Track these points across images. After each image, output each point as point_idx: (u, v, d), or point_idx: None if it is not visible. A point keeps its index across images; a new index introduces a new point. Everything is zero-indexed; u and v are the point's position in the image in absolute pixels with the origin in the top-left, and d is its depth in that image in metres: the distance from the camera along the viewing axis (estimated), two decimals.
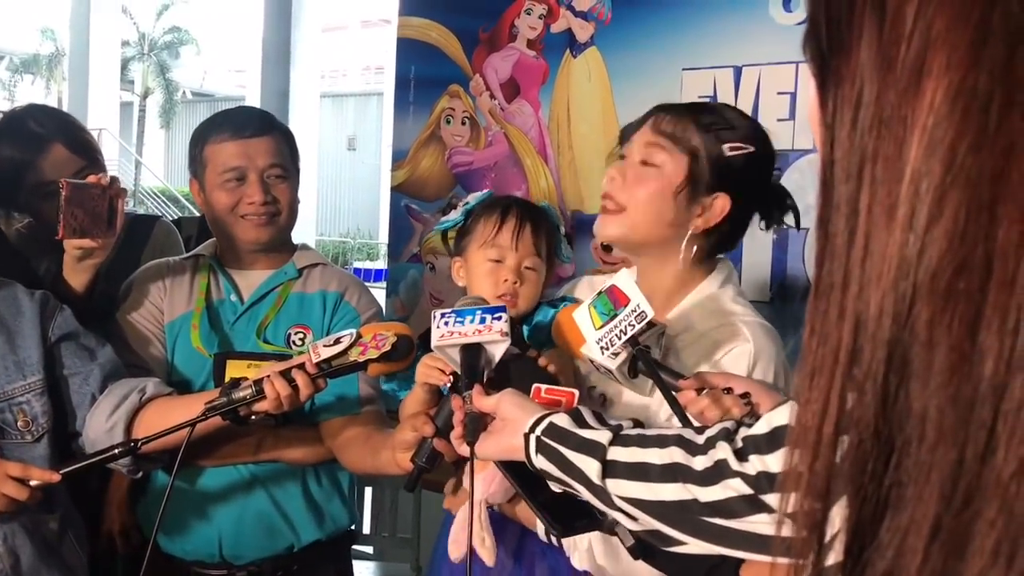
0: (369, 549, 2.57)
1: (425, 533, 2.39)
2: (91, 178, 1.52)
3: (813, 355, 0.34)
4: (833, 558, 0.34)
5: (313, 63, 9.57)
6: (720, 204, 1.21)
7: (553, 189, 2.24)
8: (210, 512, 1.54)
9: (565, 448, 0.96)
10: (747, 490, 0.86)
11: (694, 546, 0.91)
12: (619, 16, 2.14)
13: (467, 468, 1.05)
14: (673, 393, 1.07)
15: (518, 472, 1.03)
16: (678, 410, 1.05)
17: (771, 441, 0.86)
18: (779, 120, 1.88)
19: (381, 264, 11.51)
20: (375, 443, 1.42)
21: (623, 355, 1.11)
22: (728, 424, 0.93)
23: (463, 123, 2.39)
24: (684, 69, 2.03)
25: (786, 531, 0.35)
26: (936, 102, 0.30)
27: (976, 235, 0.29)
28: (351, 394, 1.54)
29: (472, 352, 1.11)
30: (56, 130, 1.68)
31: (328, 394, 1.43)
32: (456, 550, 1.26)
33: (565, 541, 1.20)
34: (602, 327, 1.12)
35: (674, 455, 0.91)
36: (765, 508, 0.85)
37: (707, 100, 1.93)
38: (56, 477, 1.26)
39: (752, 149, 1.22)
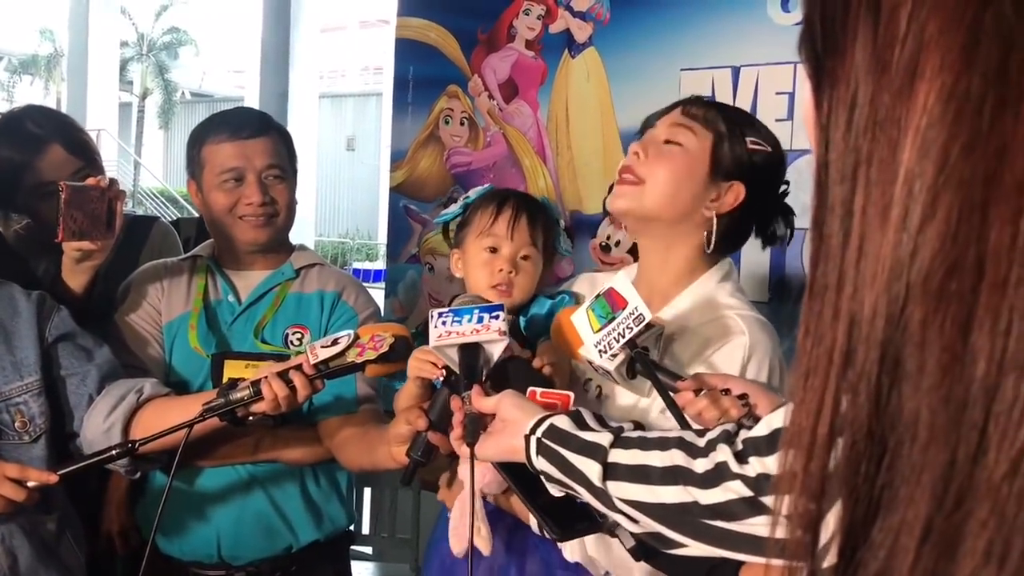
0: (368, 550, 2.57)
1: (424, 533, 2.38)
2: (90, 180, 1.52)
3: (808, 356, 0.34)
4: (829, 561, 0.34)
5: (312, 64, 9.57)
6: (735, 192, 1.22)
7: (552, 189, 2.24)
8: (208, 513, 1.54)
9: (566, 450, 0.96)
10: (747, 492, 0.86)
11: (695, 549, 0.91)
12: (617, 16, 2.14)
13: (464, 466, 1.05)
14: (671, 394, 1.07)
15: (517, 474, 1.03)
16: (676, 411, 1.05)
17: (771, 443, 0.86)
18: (777, 120, 1.88)
19: (380, 265, 11.51)
20: (371, 439, 1.43)
21: (621, 357, 1.11)
22: (729, 426, 0.93)
23: (462, 123, 2.39)
24: (682, 69, 2.03)
25: (780, 532, 0.35)
26: (929, 104, 0.30)
27: (968, 236, 0.29)
28: (349, 394, 1.54)
29: (470, 352, 1.11)
30: (54, 131, 1.68)
31: (326, 394, 1.43)
32: (457, 543, 1.26)
33: None
34: (600, 330, 1.12)
35: (675, 458, 0.91)
36: (765, 510, 0.85)
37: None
38: (54, 478, 1.26)
39: (770, 150, 1.25)
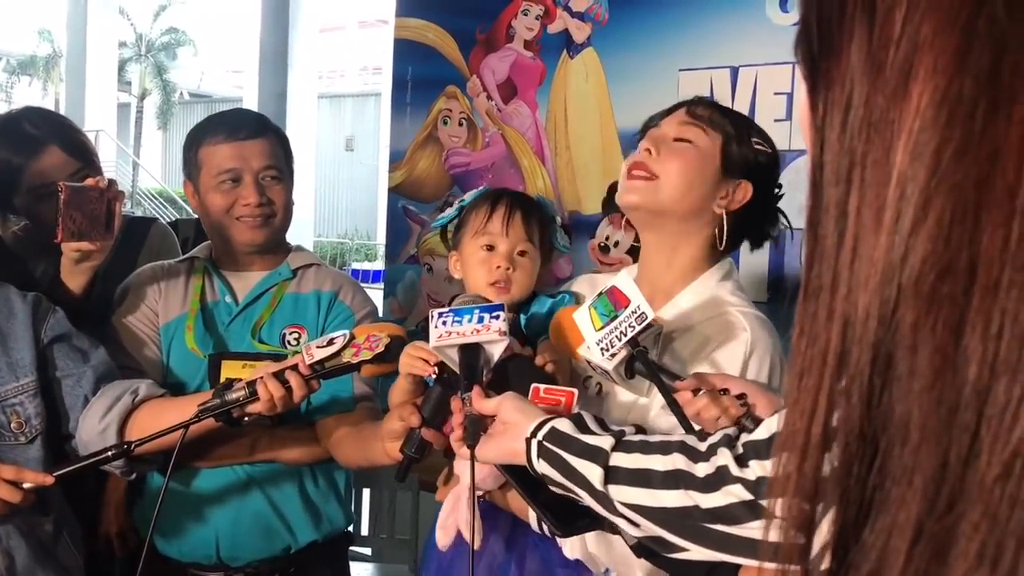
0: (367, 550, 2.57)
1: (423, 534, 2.38)
2: (89, 181, 1.52)
3: (802, 356, 0.34)
4: (823, 566, 0.34)
5: (311, 64, 9.57)
6: (744, 190, 1.25)
7: (550, 190, 2.24)
8: (207, 513, 1.54)
9: (567, 453, 0.96)
10: (747, 496, 0.86)
11: (696, 553, 0.91)
12: (616, 17, 2.14)
13: (461, 463, 1.05)
14: (671, 394, 1.07)
15: (518, 472, 1.03)
16: (677, 411, 1.06)
17: (771, 446, 0.86)
18: (776, 120, 1.89)
19: (379, 265, 11.51)
20: (365, 435, 1.43)
21: (621, 356, 1.11)
22: (730, 430, 0.93)
23: (460, 124, 2.39)
24: (681, 70, 2.03)
25: (774, 533, 0.35)
26: (922, 106, 0.30)
27: (960, 240, 0.29)
28: (346, 393, 1.54)
29: (471, 352, 1.10)
30: (52, 132, 1.68)
31: (323, 394, 1.43)
32: (443, 536, 1.26)
33: None
34: (602, 328, 1.12)
35: (677, 462, 0.92)
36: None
37: None
38: (49, 480, 1.26)
39: (771, 151, 1.28)
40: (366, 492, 2.49)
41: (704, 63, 2.00)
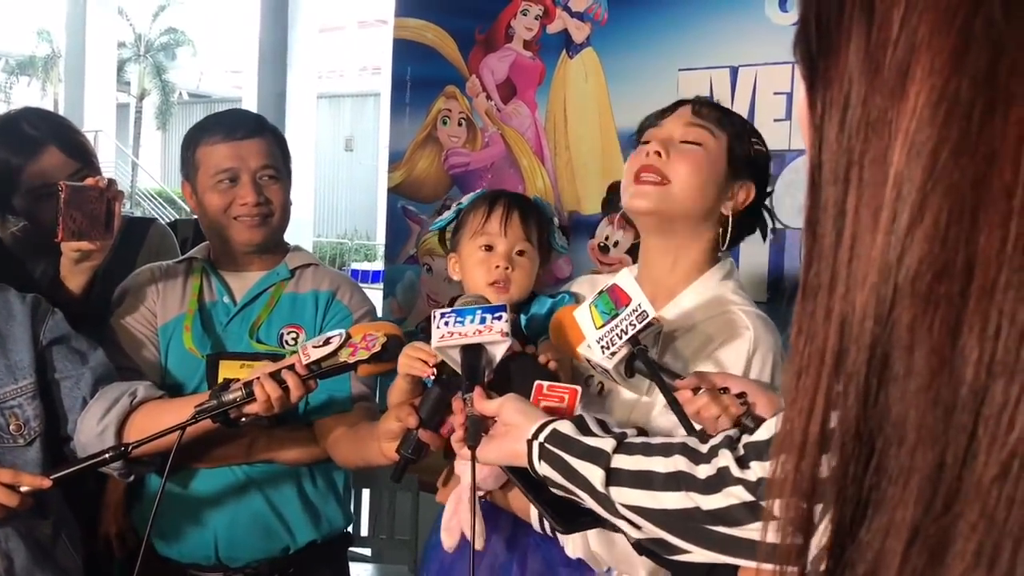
0: (367, 551, 2.57)
1: (423, 535, 2.38)
2: (89, 180, 1.52)
3: (800, 355, 0.34)
4: (823, 565, 0.33)
5: (310, 64, 9.56)
6: (747, 191, 1.26)
7: (550, 190, 2.24)
8: (205, 514, 1.54)
9: (569, 455, 0.96)
10: (748, 497, 0.86)
11: (698, 555, 0.91)
12: (615, 17, 2.14)
13: (462, 463, 1.05)
14: (672, 393, 1.07)
15: (519, 470, 1.03)
16: (678, 409, 1.06)
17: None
18: (775, 120, 1.89)
19: (379, 265, 11.50)
20: (362, 435, 1.43)
21: (621, 354, 1.11)
22: (732, 432, 0.93)
23: (460, 124, 2.39)
24: (680, 70, 2.03)
25: (772, 533, 0.35)
26: (919, 107, 0.30)
27: (957, 240, 0.29)
28: (343, 393, 1.54)
29: (473, 353, 1.10)
30: (50, 133, 1.68)
31: (320, 394, 1.43)
32: (448, 538, 1.26)
33: None
34: (603, 326, 1.12)
35: (678, 464, 0.92)
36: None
37: None
38: (47, 483, 1.26)
39: (766, 150, 1.28)
40: (366, 492, 2.49)
41: (703, 63, 2.00)
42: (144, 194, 16.47)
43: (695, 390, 1.06)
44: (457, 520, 1.26)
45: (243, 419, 1.32)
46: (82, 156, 1.71)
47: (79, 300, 1.55)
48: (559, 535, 1.21)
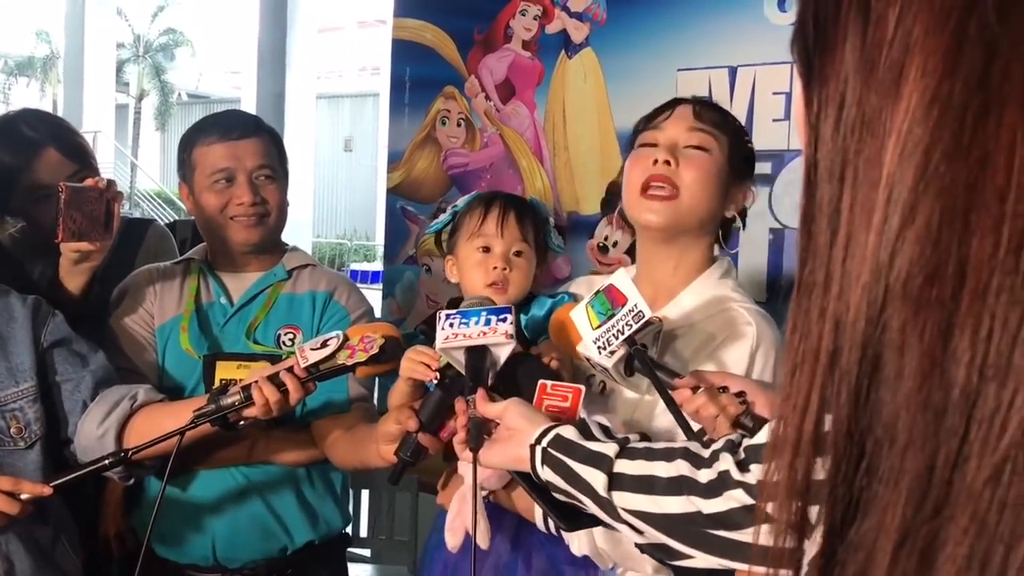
0: (367, 552, 2.57)
1: (422, 536, 2.38)
2: (88, 181, 1.52)
3: (794, 352, 0.34)
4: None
5: (309, 64, 9.57)
6: (744, 193, 1.27)
7: (549, 190, 2.24)
8: (204, 516, 1.54)
9: (571, 460, 0.96)
10: (748, 500, 0.86)
11: (700, 560, 0.91)
12: (614, 17, 2.14)
13: (466, 466, 1.05)
14: (669, 392, 1.07)
15: (522, 472, 1.03)
16: (674, 409, 1.06)
17: None
18: (774, 120, 1.89)
19: (378, 266, 11.50)
20: (360, 436, 1.43)
21: (620, 354, 1.11)
22: (734, 436, 0.93)
23: (458, 124, 2.39)
24: (679, 70, 2.03)
25: (765, 535, 0.35)
26: (912, 107, 0.30)
27: (949, 243, 0.29)
28: (341, 395, 1.54)
29: (477, 354, 1.10)
30: (48, 134, 1.68)
31: (318, 396, 1.43)
32: (452, 538, 1.26)
33: None
34: (599, 326, 1.12)
35: (680, 468, 0.92)
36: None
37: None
38: (48, 490, 1.25)
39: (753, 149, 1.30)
40: (365, 493, 2.49)
41: (702, 63, 2.00)
42: (143, 195, 16.47)
43: (694, 389, 1.06)
44: (461, 520, 1.26)
45: (242, 422, 1.32)
46: (80, 158, 1.71)
47: (78, 301, 1.55)
48: (564, 533, 1.21)
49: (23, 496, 1.25)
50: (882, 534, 0.30)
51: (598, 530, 1.16)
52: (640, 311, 1.10)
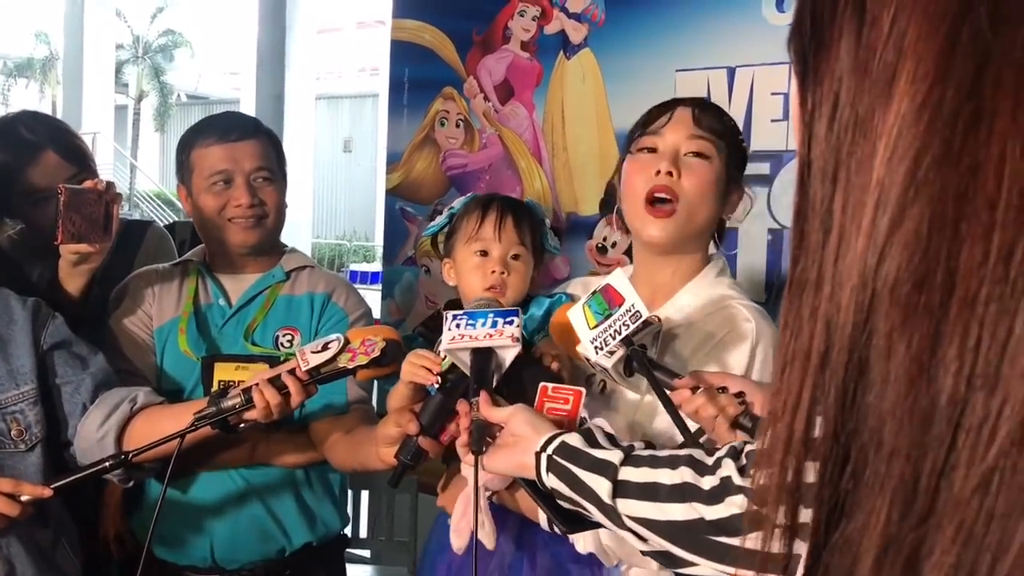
0: (366, 552, 2.57)
1: (422, 536, 2.38)
2: (87, 183, 1.52)
3: (785, 349, 0.34)
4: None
5: (308, 65, 9.56)
6: (739, 195, 1.28)
7: (548, 191, 2.24)
8: (203, 517, 1.54)
9: (576, 467, 0.96)
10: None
11: (704, 567, 0.91)
12: (612, 17, 2.14)
13: (469, 468, 1.05)
14: (667, 392, 1.07)
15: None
16: (671, 409, 1.06)
17: None
18: (773, 121, 1.89)
19: (378, 267, 11.49)
20: (358, 438, 1.43)
21: (618, 354, 1.11)
22: (737, 443, 0.93)
23: (457, 125, 2.39)
24: (678, 70, 2.03)
25: (753, 536, 0.35)
26: (903, 111, 0.29)
27: (938, 250, 0.29)
28: (340, 397, 1.54)
29: (483, 356, 1.10)
30: (47, 137, 1.68)
31: (318, 398, 1.43)
32: (457, 539, 1.26)
33: None
34: (596, 327, 1.12)
35: (684, 475, 0.92)
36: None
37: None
38: (47, 492, 1.26)
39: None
40: (365, 494, 2.49)
41: (701, 63, 2.00)
42: (142, 196, 16.47)
43: (693, 390, 1.06)
44: (467, 522, 1.26)
45: (242, 425, 1.32)
46: (79, 160, 1.71)
47: (77, 303, 1.55)
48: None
49: (23, 498, 1.25)
50: (866, 539, 0.30)
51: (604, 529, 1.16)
52: (637, 311, 1.10)
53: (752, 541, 0.35)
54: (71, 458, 1.43)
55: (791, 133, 1.88)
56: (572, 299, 1.36)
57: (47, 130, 1.70)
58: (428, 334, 1.38)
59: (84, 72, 13.20)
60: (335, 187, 19.87)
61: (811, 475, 0.33)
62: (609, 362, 1.12)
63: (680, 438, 1.06)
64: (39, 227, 1.62)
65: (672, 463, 0.93)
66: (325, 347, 1.27)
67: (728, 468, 0.89)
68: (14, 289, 1.46)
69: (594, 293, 1.14)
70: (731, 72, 1.96)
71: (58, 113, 13.53)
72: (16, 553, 1.34)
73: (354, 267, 14.73)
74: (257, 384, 1.27)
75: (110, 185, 1.54)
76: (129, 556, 1.67)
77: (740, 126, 1.35)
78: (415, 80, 2.46)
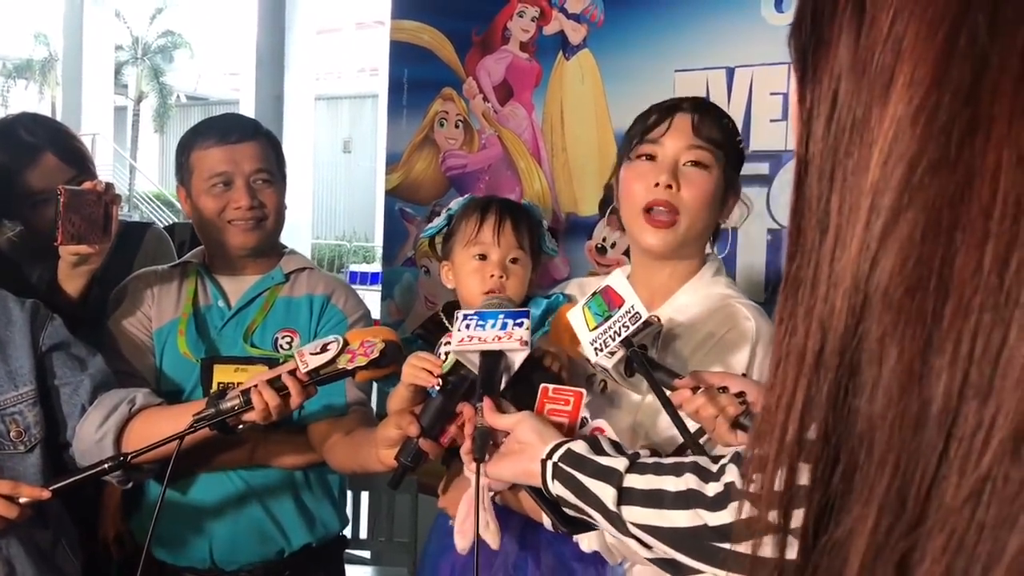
0: (366, 553, 2.57)
1: (422, 537, 2.38)
2: (87, 184, 1.52)
3: (780, 346, 0.34)
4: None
5: (307, 66, 9.56)
6: (733, 201, 1.29)
7: (547, 191, 2.24)
8: (202, 519, 1.54)
9: (582, 474, 0.96)
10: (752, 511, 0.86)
11: (709, 574, 0.91)
12: (611, 18, 2.14)
13: (470, 472, 1.05)
14: (667, 393, 1.07)
15: None
16: (671, 410, 1.06)
17: None
18: (772, 121, 1.89)
19: (377, 267, 11.49)
20: (359, 441, 1.42)
21: (619, 355, 1.11)
22: (741, 449, 0.93)
23: (456, 126, 2.39)
24: (677, 70, 2.03)
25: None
26: (899, 115, 0.29)
27: (932, 257, 0.28)
28: (339, 398, 1.54)
29: (492, 358, 1.09)
30: (47, 139, 1.68)
31: (316, 400, 1.43)
32: (462, 540, 1.26)
33: None
34: (596, 328, 1.12)
35: (688, 482, 0.92)
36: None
37: None
38: (46, 494, 1.25)
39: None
40: (365, 495, 2.48)
41: (700, 64, 2.00)
42: (142, 197, 16.46)
43: (694, 390, 1.06)
44: (471, 522, 1.25)
45: (240, 426, 1.32)
46: (79, 162, 1.71)
47: (76, 304, 1.55)
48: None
49: (22, 500, 1.25)
50: (854, 544, 0.30)
51: None
52: (637, 312, 1.10)
53: (746, 546, 0.35)
54: (70, 459, 1.43)
55: (790, 133, 1.87)
56: (570, 299, 1.36)
57: (46, 132, 1.70)
58: (426, 336, 1.38)
59: (83, 73, 13.20)
60: (335, 188, 19.86)
61: (804, 477, 0.33)
62: (610, 363, 1.12)
63: (682, 438, 1.06)
64: (38, 229, 1.62)
65: (677, 470, 0.93)
66: (324, 348, 1.27)
67: (732, 474, 0.89)
68: (13, 291, 1.46)
69: (594, 294, 1.14)
70: (730, 72, 1.96)
71: (57, 114, 13.53)
72: (16, 554, 1.34)
73: (354, 268, 14.73)
74: (256, 385, 1.27)
75: (109, 186, 1.54)
76: (128, 557, 1.67)
77: (739, 126, 1.35)
78: (414, 81, 2.46)
